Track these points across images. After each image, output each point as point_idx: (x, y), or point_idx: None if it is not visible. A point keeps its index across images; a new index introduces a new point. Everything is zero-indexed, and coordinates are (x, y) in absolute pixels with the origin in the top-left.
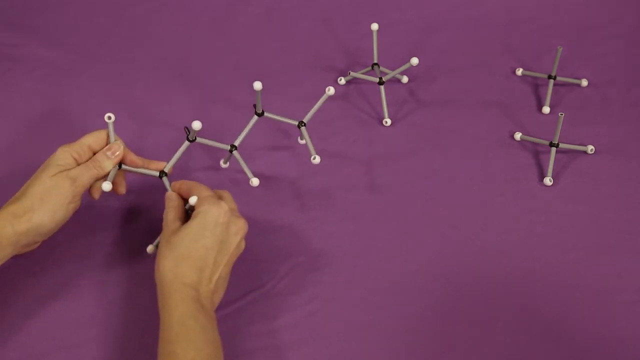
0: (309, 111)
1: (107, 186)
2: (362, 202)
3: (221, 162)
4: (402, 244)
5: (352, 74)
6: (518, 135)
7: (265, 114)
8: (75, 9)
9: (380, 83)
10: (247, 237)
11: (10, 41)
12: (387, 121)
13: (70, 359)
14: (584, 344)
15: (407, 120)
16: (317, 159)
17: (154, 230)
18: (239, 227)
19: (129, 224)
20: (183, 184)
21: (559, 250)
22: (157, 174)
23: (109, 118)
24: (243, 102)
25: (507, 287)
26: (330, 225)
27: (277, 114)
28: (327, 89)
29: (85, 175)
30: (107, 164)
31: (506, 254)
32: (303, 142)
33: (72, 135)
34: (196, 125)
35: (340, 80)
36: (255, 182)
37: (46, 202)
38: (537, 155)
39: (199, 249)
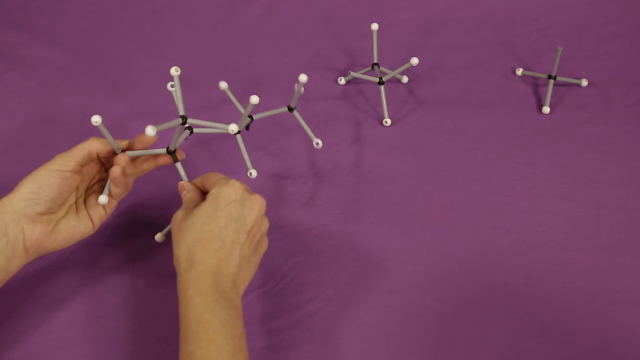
0: (310, 110)
1: (103, 199)
2: (361, 202)
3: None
4: (401, 244)
5: (352, 74)
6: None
7: (254, 116)
8: (75, 9)
9: (380, 83)
10: None
11: (10, 41)
12: (387, 121)
13: (70, 358)
14: (584, 344)
15: (407, 120)
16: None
17: (159, 227)
18: (254, 202)
19: (132, 222)
20: (196, 180)
21: (559, 250)
22: (164, 150)
23: (96, 122)
24: (243, 103)
25: (507, 287)
26: (330, 225)
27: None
28: (300, 76)
29: (79, 147)
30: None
31: (506, 254)
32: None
33: (72, 135)
34: (173, 71)
35: (340, 80)
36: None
37: (37, 171)
38: None
39: (213, 230)
